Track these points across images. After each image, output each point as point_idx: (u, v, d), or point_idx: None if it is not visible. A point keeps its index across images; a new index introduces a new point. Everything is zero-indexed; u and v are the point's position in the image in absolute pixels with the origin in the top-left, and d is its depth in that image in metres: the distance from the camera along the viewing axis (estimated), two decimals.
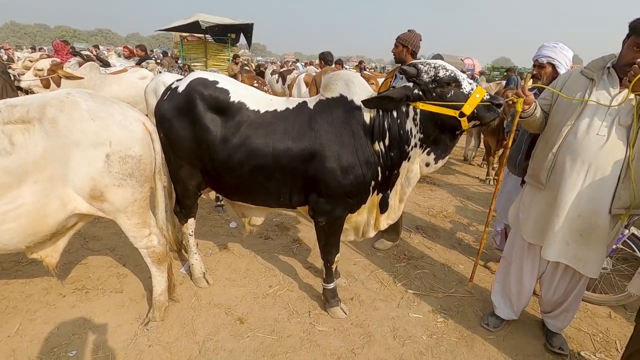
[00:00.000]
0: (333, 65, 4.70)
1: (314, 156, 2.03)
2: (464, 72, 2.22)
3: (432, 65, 1.85)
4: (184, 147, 2.19)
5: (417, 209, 4.28)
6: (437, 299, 2.60)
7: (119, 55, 10.48)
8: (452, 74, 1.82)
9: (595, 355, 2.16)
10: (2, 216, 1.65)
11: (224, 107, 2.12)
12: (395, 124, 1.96)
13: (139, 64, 7.21)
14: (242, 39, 14.36)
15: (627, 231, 2.51)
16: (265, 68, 11.68)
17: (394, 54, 3.02)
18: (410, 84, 1.89)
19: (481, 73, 20.27)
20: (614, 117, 1.73)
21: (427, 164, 2.04)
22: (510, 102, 1.84)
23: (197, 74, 2.25)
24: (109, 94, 4.71)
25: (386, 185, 2.15)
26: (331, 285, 2.39)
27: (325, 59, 4.66)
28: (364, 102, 1.92)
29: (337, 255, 2.34)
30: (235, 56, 11.02)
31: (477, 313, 2.48)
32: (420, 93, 1.86)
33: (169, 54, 14.06)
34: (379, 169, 2.06)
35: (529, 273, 2.18)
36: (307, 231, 3.54)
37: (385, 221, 2.27)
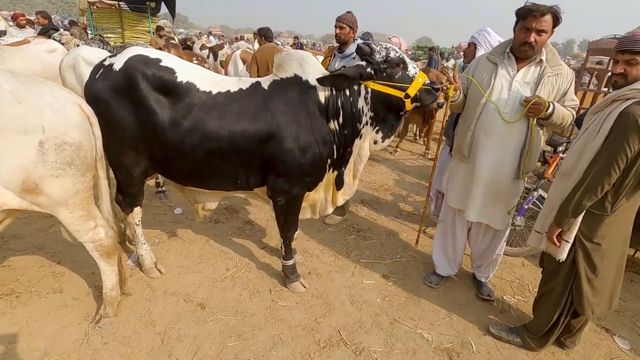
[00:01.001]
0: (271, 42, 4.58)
1: (271, 137, 2.03)
2: None
3: (384, 46, 1.96)
4: (126, 131, 2.03)
5: (361, 183, 4.50)
6: (385, 265, 2.85)
7: (10, 24, 8.70)
8: (401, 56, 1.95)
9: (514, 298, 2.59)
10: None
11: (170, 87, 1.99)
12: (348, 102, 2.05)
13: (42, 34, 6.22)
14: (164, 8, 13.08)
15: (535, 193, 2.98)
16: (193, 42, 10.84)
17: (339, 36, 3.06)
18: (364, 63, 1.98)
19: (407, 52, 21.42)
20: (515, 96, 2.04)
21: (375, 142, 2.18)
22: (445, 88, 2.04)
23: (135, 50, 2.06)
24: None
25: (341, 162, 2.25)
26: (290, 262, 2.46)
27: (265, 35, 4.53)
28: (319, 80, 1.96)
29: (296, 233, 2.41)
30: (159, 28, 10.04)
31: (420, 274, 2.78)
32: (372, 72, 1.97)
33: (77, 23, 12.30)
34: (335, 147, 2.14)
35: (460, 232, 2.53)
36: (257, 212, 3.54)
37: (341, 197, 2.39)
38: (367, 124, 2.09)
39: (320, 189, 2.33)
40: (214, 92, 2.05)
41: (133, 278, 2.43)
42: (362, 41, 3.15)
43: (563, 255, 1.81)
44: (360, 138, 2.15)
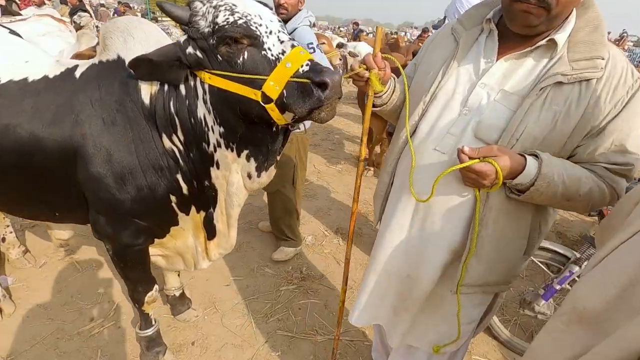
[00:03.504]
0: None
1: (75, 153, 1.29)
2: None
3: (213, 3, 1.04)
4: None
5: (349, 202, 3.53)
6: (313, 344, 1.93)
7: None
8: (242, 21, 1.01)
9: None
10: None
11: None
12: (184, 107, 1.19)
13: (72, 14, 6.19)
14: None
15: (577, 268, 1.80)
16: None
17: (284, 7, 2.15)
18: (182, 39, 1.10)
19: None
20: (470, 118, 1.00)
21: (249, 175, 1.29)
22: (363, 80, 1.05)
23: None
24: None
25: (204, 200, 1.41)
26: (147, 333, 1.70)
27: None
28: (130, 64, 1.12)
29: (150, 294, 1.63)
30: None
31: None
32: (199, 54, 1.07)
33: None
34: (180, 177, 1.31)
35: None
36: None
37: (216, 250, 1.56)
38: (219, 145, 1.21)
39: (184, 235, 1.53)
40: (3, 79, 1.35)
41: None
42: (309, 16, 2.23)
43: None
44: (218, 168, 1.28)
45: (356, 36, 13.32)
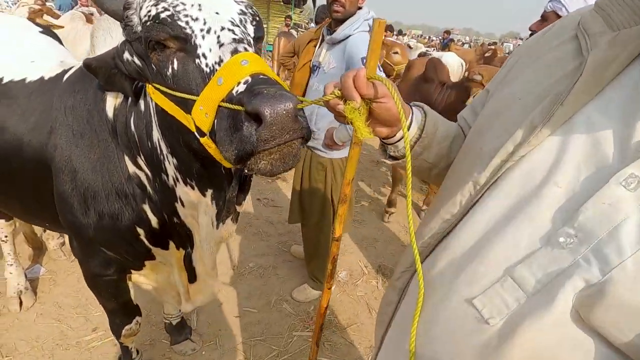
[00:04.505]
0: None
1: (50, 164, 1.15)
2: None
3: None
4: None
5: (401, 234, 3.05)
6: None
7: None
8: (167, 14, 0.71)
9: None
10: None
11: None
12: (143, 126, 0.94)
13: None
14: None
15: None
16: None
17: (339, 4, 1.80)
18: (120, 42, 0.85)
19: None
20: (579, 261, 0.41)
21: (212, 223, 1.00)
22: (342, 116, 0.58)
23: None
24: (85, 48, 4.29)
25: (180, 238, 1.16)
26: None
27: (317, 17, 3.50)
28: (84, 64, 0.91)
29: (129, 327, 1.44)
30: (287, 17, 10.06)
31: None
32: (137, 61, 0.81)
33: None
34: (147, 208, 1.08)
35: None
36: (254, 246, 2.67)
37: (198, 296, 1.31)
38: (177, 179, 0.94)
39: (166, 271, 1.33)
40: (6, 79, 1.28)
41: None
42: (369, 18, 1.85)
43: None
44: (184, 205, 1.01)
45: (445, 45, 12.35)
